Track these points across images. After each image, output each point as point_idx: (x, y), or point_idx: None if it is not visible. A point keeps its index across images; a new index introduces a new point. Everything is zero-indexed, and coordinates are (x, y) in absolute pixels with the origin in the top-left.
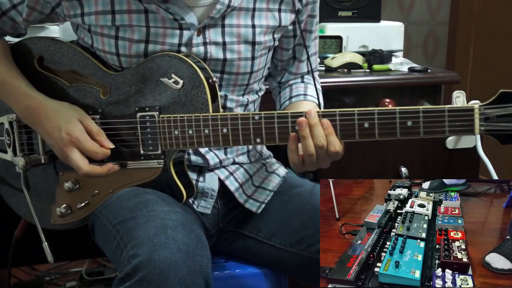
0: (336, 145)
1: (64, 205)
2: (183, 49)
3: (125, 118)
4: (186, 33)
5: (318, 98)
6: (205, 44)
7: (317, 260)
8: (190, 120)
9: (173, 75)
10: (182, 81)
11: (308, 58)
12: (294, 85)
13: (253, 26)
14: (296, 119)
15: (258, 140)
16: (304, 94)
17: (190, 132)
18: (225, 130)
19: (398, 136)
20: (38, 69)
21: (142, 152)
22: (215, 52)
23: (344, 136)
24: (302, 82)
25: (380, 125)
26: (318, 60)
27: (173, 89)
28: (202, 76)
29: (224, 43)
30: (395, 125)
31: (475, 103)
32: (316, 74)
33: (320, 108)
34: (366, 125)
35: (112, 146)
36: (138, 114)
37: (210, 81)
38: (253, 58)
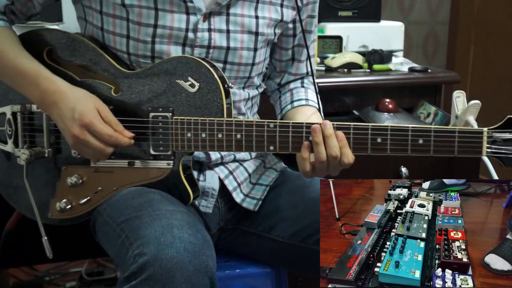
0: (350, 156)
1: (65, 200)
2: (190, 34)
3: (137, 117)
4: (192, 18)
5: (318, 103)
6: (209, 30)
7: (316, 252)
8: (204, 123)
9: (189, 78)
10: (198, 84)
11: (309, 58)
12: (294, 90)
13: (257, 17)
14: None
15: (272, 147)
16: (306, 99)
17: (203, 135)
18: (238, 136)
19: (409, 153)
20: (47, 61)
21: (152, 152)
22: (219, 39)
23: (357, 149)
24: (302, 87)
25: (392, 141)
26: (318, 59)
27: (189, 91)
28: (219, 81)
29: (228, 31)
30: (407, 142)
31: (475, 103)
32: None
33: (320, 112)
34: (379, 140)
35: (132, 134)
36: (151, 114)
37: (225, 86)
38: (255, 49)
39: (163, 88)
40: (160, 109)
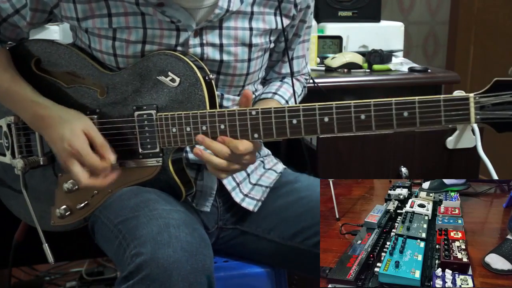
0: (240, 145)
1: (64, 206)
2: (179, 49)
3: (123, 117)
4: (183, 34)
5: (295, 98)
6: (201, 45)
7: (316, 254)
8: (188, 117)
9: (169, 73)
10: (178, 79)
11: (289, 60)
12: (271, 83)
13: (251, 29)
14: (294, 113)
15: (256, 135)
16: (274, 93)
17: (188, 129)
18: (222, 127)
19: (394, 128)
20: (35, 72)
21: (140, 151)
22: (212, 53)
23: (341, 129)
24: (280, 81)
25: (377, 117)
26: (305, 63)
27: (170, 87)
28: (198, 73)
29: (221, 45)
30: (391, 116)
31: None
32: (303, 77)
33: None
34: (363, 117)
35: (113, 160)
36: (136, 113)
37: (206, 78)
38: (249, 60)
39: (145, 86)
40: (145, 107)
